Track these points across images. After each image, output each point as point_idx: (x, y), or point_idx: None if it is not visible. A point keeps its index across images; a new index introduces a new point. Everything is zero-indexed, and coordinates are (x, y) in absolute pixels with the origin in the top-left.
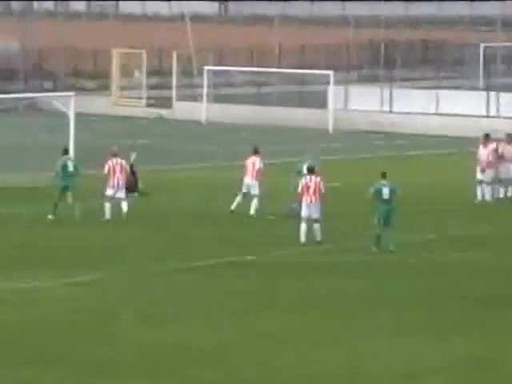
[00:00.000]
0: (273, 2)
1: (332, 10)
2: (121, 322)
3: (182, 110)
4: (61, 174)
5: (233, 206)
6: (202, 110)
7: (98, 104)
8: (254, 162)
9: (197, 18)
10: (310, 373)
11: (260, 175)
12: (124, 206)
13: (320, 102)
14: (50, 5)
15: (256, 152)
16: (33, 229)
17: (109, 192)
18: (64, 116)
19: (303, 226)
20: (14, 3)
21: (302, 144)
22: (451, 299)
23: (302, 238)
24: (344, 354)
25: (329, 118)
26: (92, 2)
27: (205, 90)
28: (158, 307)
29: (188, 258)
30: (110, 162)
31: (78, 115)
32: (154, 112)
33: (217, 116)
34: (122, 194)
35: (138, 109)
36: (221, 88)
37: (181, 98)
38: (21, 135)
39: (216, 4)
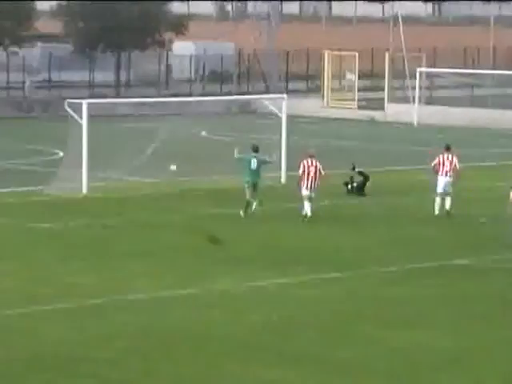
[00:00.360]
0: (488, 3)
1: None
2: (363, 323)
3: (393, 112)
4: (246, 170)
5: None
6: (413, 112)
7: (310, 106)
8: (450, 161)
9: (410, 20)
10: None
11: (456, 174)
12: (310, 204)
13: None
14: (264, 8)
15: (448, 149)
16: (266, 228)
17: (304, 192)
18: (276, 117)
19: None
20: (228, 7)
21: None
22: None
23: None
24: None
25: None
26: (305, 5)
27: (417, 92)
28: (400, 309)
29: (417, 260)
30: (304, 163)
31: (289, 117)
32: (366, 114)
33: (429, 118)
34: (313, 193)
35: (350, 111)
36: (433, 90)
37: (393, 100)
38: (233, 137)
39: (429, 5)
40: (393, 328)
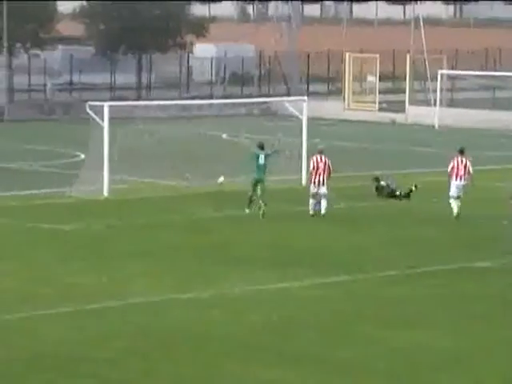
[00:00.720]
0: (510, 4)
1: None
2: (363, 324)
3: (414, 114)
4: (253, 167)
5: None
6: (435, 115)
7: (331, 108)
8: (464, 164)
9: (430, 21)
10: None
11: (469, 178)
12: (323, 202)
13: None
14: (285, 10)
15: (462, 153)
16: (270, 228)
17: (312, 189)
18: (296, 120)
19: None
20: (250, 9)
21: None
22: None
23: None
24: None
25: None
26: (326, 7)
27: (438, 95)
28: (400, 309)
29: (418, 261)
30: (314, 159)
31: (310, 119)
32: (387, 116)
33: (450, 121)
34: (323, 190)
35: (371, 113)
36: (454, 92)
37: (413, 103)
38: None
39: (450, 7)
40: (393, 328)
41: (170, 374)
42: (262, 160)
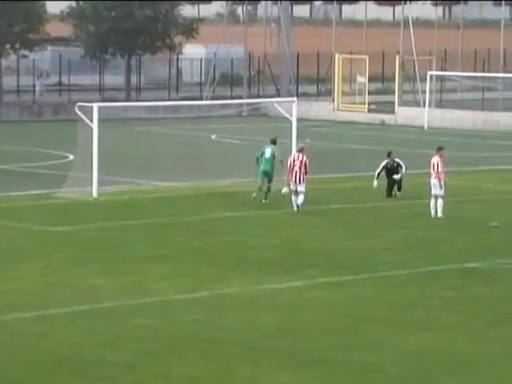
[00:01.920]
0: (500, 6)
1: None
2: (375, 326)
3: (404, 115)
4: (260, 159)
5: (432, 211)
6: (424, 116)
7: (320, 109)
8: (435, 162)
9: (420, 23)
10: None
11: (442, 176)
12: (300, 196)
13: None
14: (274, 11)
15: (437, 151)
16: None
17: (292, 186)
18: (287, 121)
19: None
20: (239, 10)
21: None
22: None
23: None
24: None
25: None
26: (315, 8)
27: (428, 96)
28: (412, 312)
29: (429, 263)
30: (291, 157)
31: (300, 120)
32: (376, 117)
33: (440, 122)
34: (299, 187)
35: (360, 114)
36: (444, 93)
37: (403, 104)
38: (246, 140)
39: (440, 8)
40: (405, 331)
41: (182, 376)
42: (268, 154)
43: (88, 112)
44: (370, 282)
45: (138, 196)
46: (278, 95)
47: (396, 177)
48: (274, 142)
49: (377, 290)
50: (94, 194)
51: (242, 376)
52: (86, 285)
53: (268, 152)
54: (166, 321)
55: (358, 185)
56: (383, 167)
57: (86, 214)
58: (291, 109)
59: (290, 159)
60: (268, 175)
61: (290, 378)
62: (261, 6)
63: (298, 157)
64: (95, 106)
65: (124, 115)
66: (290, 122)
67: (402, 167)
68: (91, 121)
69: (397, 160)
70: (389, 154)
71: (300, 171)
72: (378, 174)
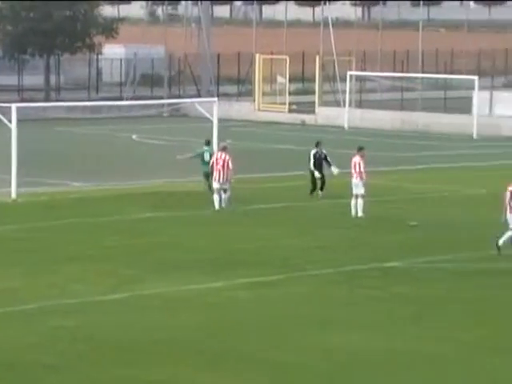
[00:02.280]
0: (418, 7)
1: (478, 14)
2: (300, 325)
3: (324, 115)
4: (201, 162)
5: (353, 211)
6: (344, 116)
7: (241, 109)
8: (356, 162)
9: (340, 23)
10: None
11: (363, 175)
12: (224, 195)
13: (464, 107)
14: (194, 11)
15: (358, 151)
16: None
17: (214, 184)
18: (208, 121)
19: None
20: (159, 10)
21: (444, 150)
22: None
23: None
24: None
25: (473, 123)
26: (235, 8)
27: (348, 96)
28: (336, 311)
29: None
30: (215, 155)
31: (221, 121)
32: (297, 117)
33: (360, 122)
34: (222, 186)
35: (281, 114)
36: (364, 93)
37: (323, 104)
38: (167, 140)
39: (359, 9)
40: (329, 329)
41: (103, 378)
42: (207, 157)
43: (6, 112)
44: (297, 282)
45: (57, 197)
46: (199, 95)
47: (317, 175)
48: (208, 144)
49: (303, 290)
50: (13, 195)
51: (163, 376)
52: (1, 287)
53: (207, 155)
54: (84, 322)
55: (281, 185)
56: (313, 156)
57: (4, 215)
58: (212, 109)
59: (213, 158)
60: (208, 177)
61: (211, 379)
62: (181, 7)
63: (221, 156)
64: (14, 106)
65: (43, 115)
66: (211, 123)
67: (329, 162)
68: (10, 121)
69: (324, 151)
70: (317, 144)
71: (223, 170)
72: (314, 164)
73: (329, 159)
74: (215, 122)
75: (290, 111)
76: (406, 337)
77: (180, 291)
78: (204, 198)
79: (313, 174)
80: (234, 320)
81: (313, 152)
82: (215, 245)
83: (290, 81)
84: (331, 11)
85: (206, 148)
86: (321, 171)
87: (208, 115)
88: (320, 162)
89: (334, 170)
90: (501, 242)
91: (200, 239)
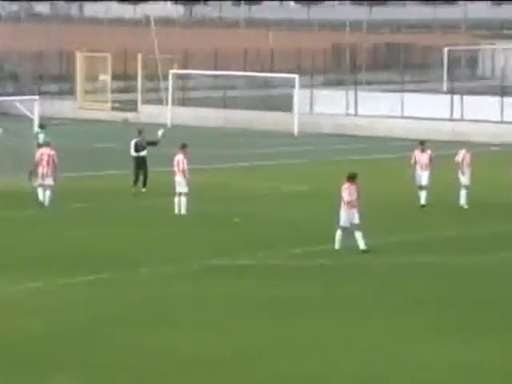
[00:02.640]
0: (238, 6)
1: (297, 13)
2: (119, 325)
3: (147, 113)
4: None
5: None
6: (167, 114)
7: (63, 107)
8: (179, 160)
9: (162, 22)
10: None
11: (186, 173)
12: (47, 193)
13: (286, 105)
14: (14, 7)
15: (182, 148)
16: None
17: (35, 181)
18: (28, 119)
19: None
20: None
21: (266, 147)
22: (449, 302)
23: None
24: (357, 356)
25: (294, 121)
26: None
27: (170, 94)
28: (154, 309)
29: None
30: (39, 151)
31: (43, 119)
32: (119, 115)
33: (183, 119)
34: (47, 181)
35: (103, 112)
36: (187, 92)
37: (146, 102)
38: None
39: (181, 7)
40: (152, 328)
41: None
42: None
43: None
44: (110, 282)
45: None
46: (20, 93)
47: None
48: (140, 133)
49: (117, 289)
50: None
51: None
52: None
53: (41, 137)
54: None
55: (104, 183)
56: (134, 145)
57: None
58: (33, 107)
59: (38, 153)
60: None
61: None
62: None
63: (46, 150)
64: None
65: None
66: (32, 121)
67: (153, 141)
68: None
69: (148, 140)
70: (140, 132)
71: (48, 165)
72: (136, 150)
73: (152, 140)
74: (36, 120)
75: (113, 109)
76: (240, 335)
77: None
78: (23, 199)
79: (136, 165)
80: (40, 325)
81: (134, 140)
82: (25, 245)
83: (113, 79)
84: (153, 9)
85: (38, 130)
86: (144, 168)
87: (28, 113)
88: (143, 148)
89: (160, 132)
90: (362, 245)
91: (21, 239)
